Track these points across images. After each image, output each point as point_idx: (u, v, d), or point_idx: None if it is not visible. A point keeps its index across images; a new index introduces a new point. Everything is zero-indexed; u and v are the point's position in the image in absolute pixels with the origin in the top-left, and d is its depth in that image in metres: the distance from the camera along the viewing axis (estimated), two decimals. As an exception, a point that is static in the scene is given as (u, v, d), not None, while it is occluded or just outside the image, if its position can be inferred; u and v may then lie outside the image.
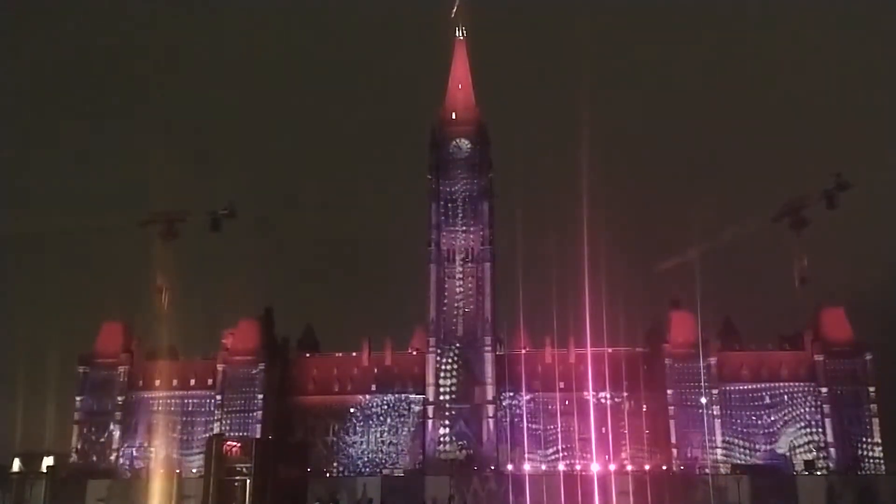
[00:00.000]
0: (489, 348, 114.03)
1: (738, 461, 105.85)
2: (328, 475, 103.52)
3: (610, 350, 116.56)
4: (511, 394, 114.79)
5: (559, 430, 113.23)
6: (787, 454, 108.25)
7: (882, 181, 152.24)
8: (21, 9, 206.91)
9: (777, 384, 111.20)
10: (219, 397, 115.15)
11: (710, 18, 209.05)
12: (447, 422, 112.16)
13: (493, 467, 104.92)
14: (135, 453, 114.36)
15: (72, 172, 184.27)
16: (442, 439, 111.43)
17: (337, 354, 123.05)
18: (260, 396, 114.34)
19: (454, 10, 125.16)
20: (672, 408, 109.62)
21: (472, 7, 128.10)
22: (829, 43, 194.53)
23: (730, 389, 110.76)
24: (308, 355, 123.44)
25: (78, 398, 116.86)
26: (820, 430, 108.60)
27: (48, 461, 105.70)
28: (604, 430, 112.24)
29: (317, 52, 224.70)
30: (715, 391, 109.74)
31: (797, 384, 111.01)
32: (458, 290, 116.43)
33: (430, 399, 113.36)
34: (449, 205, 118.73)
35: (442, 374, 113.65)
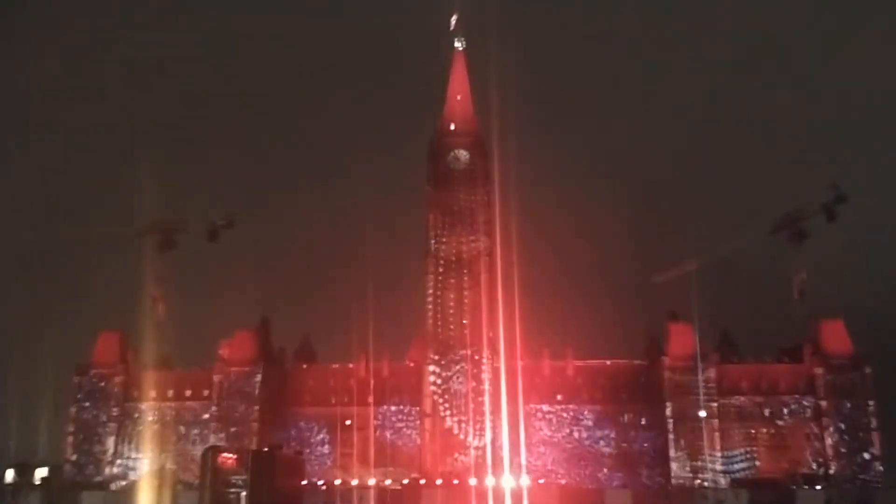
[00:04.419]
0: (487, 360, 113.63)
1: (737, 474, 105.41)
2: (324, 487, 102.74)
3: (608, 362, 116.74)
4: (508, 406, 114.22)
5: (557, 442, 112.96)
6: (787, 467, 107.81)
7: (881, 193, 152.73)
8: (23, 13, 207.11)
9: (776, 397, 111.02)
10: (215, 408, 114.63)
11: (708, 32, 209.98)
12: (444, 433, 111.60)
13: (489, 479, 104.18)
14: (130, 464, 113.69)
15: (69, 181, 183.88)
16: (439, 451, 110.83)
17: (334, 366, 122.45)
18: (256, 407, 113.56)
19: (453, 23, 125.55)
20: (671, 421, 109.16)
21: (472, 19, 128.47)
22: (826, 54, 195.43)
23: (729, 402, 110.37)
24: (305, 366, 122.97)
25: (73, 408, 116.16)
26: (819, 443, 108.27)
27: (42, 472, 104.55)
28: (602, 442, 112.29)
29: (316, 63, 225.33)
30: (714, 404, 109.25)
31: (796, 397, 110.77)
32: (455, 301, 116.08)
33: (427, 411, 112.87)
34: (447, 215, 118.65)
35: (439, 386, 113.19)
